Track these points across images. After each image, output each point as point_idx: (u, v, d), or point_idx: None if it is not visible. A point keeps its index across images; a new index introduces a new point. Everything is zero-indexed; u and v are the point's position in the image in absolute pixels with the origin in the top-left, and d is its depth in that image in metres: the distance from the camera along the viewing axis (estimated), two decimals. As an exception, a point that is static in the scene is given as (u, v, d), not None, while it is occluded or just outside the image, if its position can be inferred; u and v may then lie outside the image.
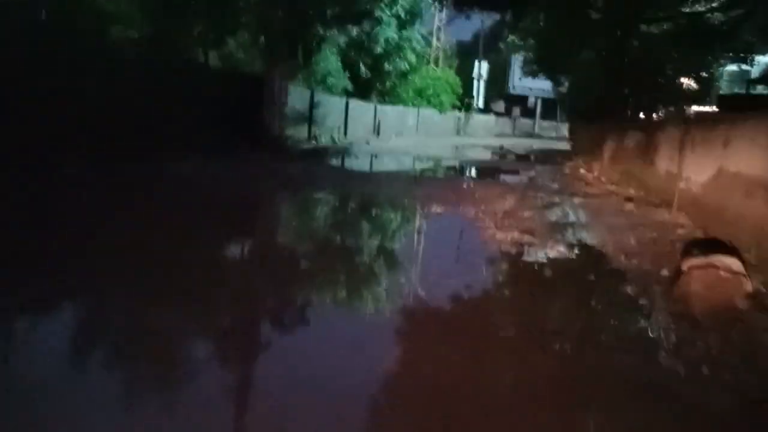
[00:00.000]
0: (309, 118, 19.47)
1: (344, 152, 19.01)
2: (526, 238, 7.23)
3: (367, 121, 27.11)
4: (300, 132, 18.64)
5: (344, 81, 25.94)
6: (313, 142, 19.31)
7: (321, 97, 21.27)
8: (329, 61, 25.11)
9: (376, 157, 19.66)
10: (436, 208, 9.41)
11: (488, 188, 12.37)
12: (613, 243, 7.15)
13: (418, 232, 7.99)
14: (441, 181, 14.27)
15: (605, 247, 7.00)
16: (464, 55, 49.19)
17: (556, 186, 13.42)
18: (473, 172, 17.93)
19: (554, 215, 9.06)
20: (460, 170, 17.95)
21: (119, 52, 11.86)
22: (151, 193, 8.71)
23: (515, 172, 18.01)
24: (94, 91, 10.27)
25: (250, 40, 15.76)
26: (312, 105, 19.62)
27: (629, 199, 10.34)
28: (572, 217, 9.00)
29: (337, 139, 21.79)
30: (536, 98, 54.43)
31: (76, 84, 9.94)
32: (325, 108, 21.33)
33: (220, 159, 12.14)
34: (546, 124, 54.88)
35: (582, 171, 17.55)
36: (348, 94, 26.27)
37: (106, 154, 9.63)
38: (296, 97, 18.59)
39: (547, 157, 25.65)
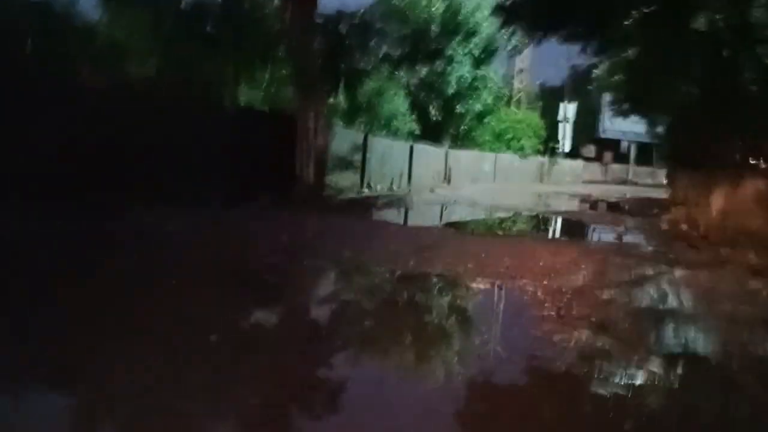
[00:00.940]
0: (362, 164, 17.48)
1: (400, 203, 16.87)
2: (601, 340, 4.81)
3: (435, 168, 24.96)
4: (349, 180, 16.66)
5: (411, 124, 24.01)
6: (366, 191, 17.25)
7: (380, 141, 19.31)
8: (395, 102, 23.29)
9: (437, 208, 17.40)
10: (484, 283, 7.00)
11: (564, 250, 9.83)
12: (741, 355, 4.61)
13: (439, 330, 5.59)
14: (507, 240, 11.80)
15: (729, 362, 4.48)
16: (549, 97, 46.45)
17: (650, 248, 10.74)
18: (551, 226, 15.37)
19: (646, 298, 6.53)
20: (536, 225, 15.41)
21: (122, 88, 10.24)
22: (88, 259, 6.69)
23: (601, 227, 15.31)
24: (79, 133, 8.63)
25: (285, 75, 14.02)
26: (366, 149, 17.63)
27: (755, 272, 7.60)
28: (672, 302, 6.43)
29: (396, 188, 19.70)
30: (629, 142, 50.88)
31: (56, 126, 8.34)
32: (385, 153, 19.35)
33: (225, 212, 10.21)
34: (641, 169, 51.08)
35: (684, 227, 14.66)
36: (417, 138, 24.28)
37: (73, 208, 7.84)
38: (345, 140, 16.71)
39: (641, 207, 22.65)
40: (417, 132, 24.34)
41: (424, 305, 6.39)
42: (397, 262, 7.81)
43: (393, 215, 14.61)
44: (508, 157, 32.40)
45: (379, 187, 18.17)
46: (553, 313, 5.62)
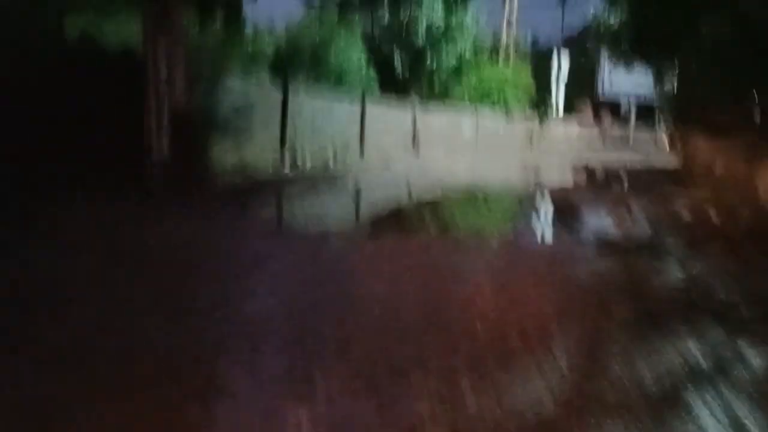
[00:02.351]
0: (281, 131, 13.41)
1: (336, 185, 13.06)
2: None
3: (400, 133, 21.04)
4: (259, 153, 12.69)
5: (369, 80, 20.06)
6: (286, 169, 13.27)
7: (313, 100, 15.27)
8: (347, 54, 19.33)
9: (390, 189, 13.59)
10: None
11: (556, 260, 6.13)
12: None
13: None
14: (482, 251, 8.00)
15: None
16: (541, 54, 42.42)
17: (677, 253, 7.11)
18: (541, 214, 11.67)
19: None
20: (523, 212, 11.78)
21: None
22: None
23: (599, 213, 11.67)
24: None
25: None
26: (285, 111, 13.52)
27: None
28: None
29: (336, 162, 15.73)
30: (630, 103, 46.88)
31: None
32: (320, 116, 15.36)
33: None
34: (642, 135, 47.15)
35: (712, 214, 10.90)
36: (377, 97, 20.36)
37: None
38: (258, 99, 12.72)
39: (648, 180, 19.02)
40: (376, 90, 20.40)
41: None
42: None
43: (316, 205, 10.77)
44: (491, 121, 28.41)
45: (308, 162, 14.20)
46: None
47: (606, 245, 8.23)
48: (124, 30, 9.81)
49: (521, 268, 6.58)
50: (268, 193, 11.07)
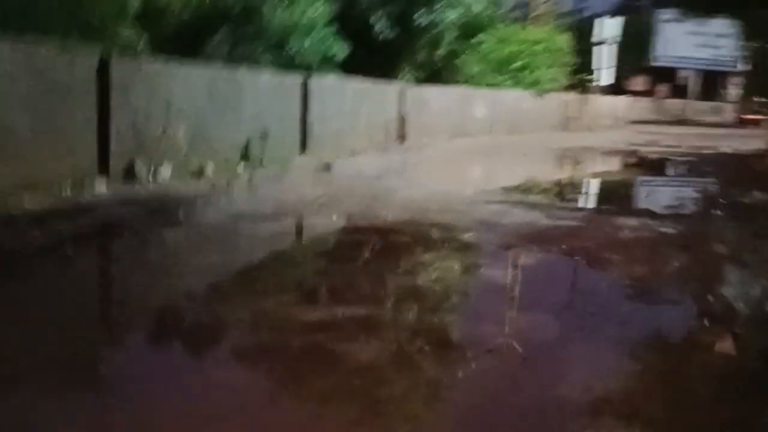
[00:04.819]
0: (100, 120, 7.53)
1: (206, 209, 7.47)
2: None
3: (378, 119, 15.32)
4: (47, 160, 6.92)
5: (333, 45, 14.21)
6: (107, 185, 7.40)
7: (177, 69, 9.44)
8: (297, 9, 13.49)
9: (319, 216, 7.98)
10: None
11: None
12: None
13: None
14: None
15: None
16: (583, 13, 35.89)
17: None
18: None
19: None
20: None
21: None
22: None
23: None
24: None
25: None
26: (106, 88, 7.60)
27: None
28: None
29: (244, 168, 10.07)
30: (691, 71, 40.28)
31: None
32: (222, 96, 9.81)
33: None
34: (701, 105, 40.51)
35: None
36: (349, 69, 14.64)
37: None
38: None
39: (733, 165, 13.11)
40: (344, 59, 14.56)
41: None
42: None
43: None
44: (514, 97, 22.31)
45: (170, 173, 8.49)
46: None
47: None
48: None
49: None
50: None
